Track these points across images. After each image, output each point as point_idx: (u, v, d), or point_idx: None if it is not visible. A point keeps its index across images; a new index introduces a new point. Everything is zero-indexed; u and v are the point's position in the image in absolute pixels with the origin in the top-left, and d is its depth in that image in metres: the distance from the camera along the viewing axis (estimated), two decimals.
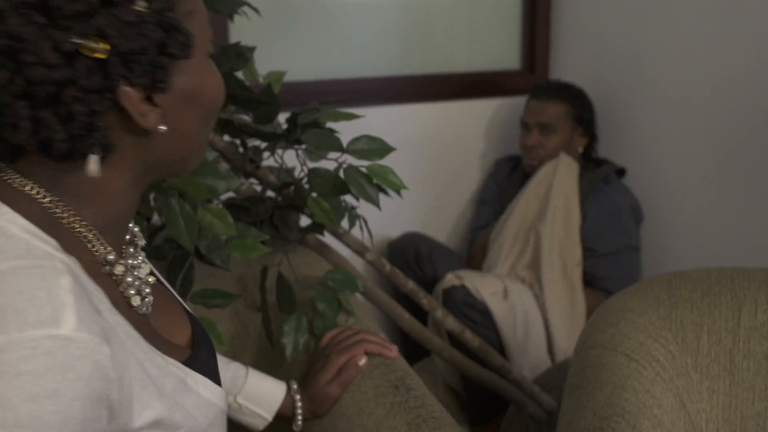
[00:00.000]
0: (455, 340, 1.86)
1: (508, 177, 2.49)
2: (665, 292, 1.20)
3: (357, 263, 2.16)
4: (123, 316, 0.71)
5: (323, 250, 1.53)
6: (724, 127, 2.02)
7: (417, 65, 2.51)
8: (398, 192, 1.32)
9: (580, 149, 2.36)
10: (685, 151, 2.16)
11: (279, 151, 1.44)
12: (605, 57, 2.43)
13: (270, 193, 1.54)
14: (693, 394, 1.12)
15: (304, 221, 1.58)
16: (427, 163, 2.51)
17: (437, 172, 2.55)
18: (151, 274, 0.87)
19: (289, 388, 1.19)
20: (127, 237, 0.82)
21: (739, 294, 1.18)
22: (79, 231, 0.71)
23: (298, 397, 1.18)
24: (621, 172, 2.36)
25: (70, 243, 0.70)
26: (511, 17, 2.62)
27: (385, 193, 1.26)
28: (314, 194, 1.30)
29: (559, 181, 2.24)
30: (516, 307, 2.12)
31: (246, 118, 1.43)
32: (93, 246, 0.73)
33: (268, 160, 1.51)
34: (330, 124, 1.48)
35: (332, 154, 1.72)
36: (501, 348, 2.12)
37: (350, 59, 2.41)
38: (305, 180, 1.36)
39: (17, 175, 0.70)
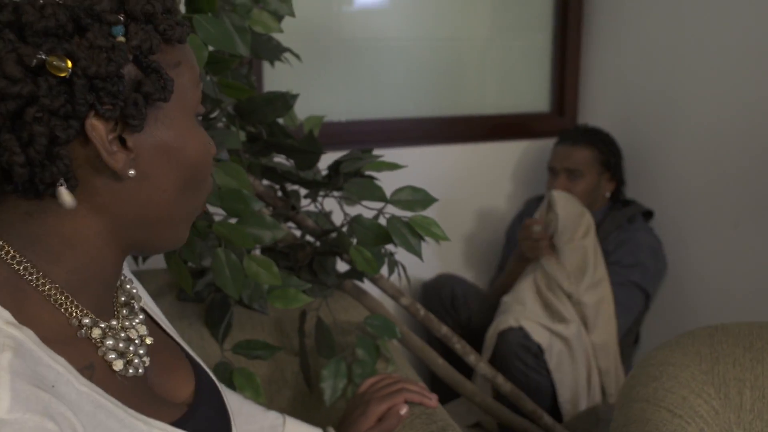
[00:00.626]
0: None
1: None
2: (707, 346, 1.20)
3: (388, 304, 2.17)
4: (97, 383, 0.68)
5: (359, 294, 1.54)
6: (754, 172, 2.02)
7: (448, 107, 2.53)
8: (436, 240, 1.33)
9: (608, 194, 2.37)
10: (714, 196, 2.16)
11: (319, 197, 1.45)
12: (634, 100, 2.44)
13: (308, 237, 1.56)
14: None
15: (340, 265, 1.59)
16: (457, 203, 2.52)
17: (467, 212, 2.56)
18: (164, 331, 0.86)
19: None
20: (123, 298, 0.79)
21: None
22: (49, 293, 0.69)
23: None
24: (649, 214, 2.37)
25: (37, 306, 0.67)
26: (541, 60, 2.65)
27: (424, 240, 1.28)
28: (355, 242, 1.31)
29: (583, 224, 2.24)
30: (570, 349, 2.12)
31: (285, 163, 1.46)
32: (66, 309, 0.70)
33: (308, 206, 1.52)
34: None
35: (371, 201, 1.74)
36: (553, 391, 2.11)
37: (382, 101, 2.44)
38: (345, 227, 1.38)
39: None
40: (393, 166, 1.32)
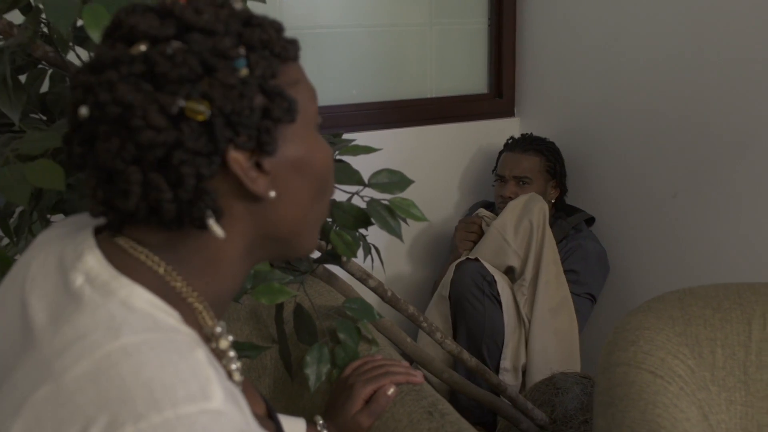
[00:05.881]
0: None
1: None
2: (678, 309, 1.27)
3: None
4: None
5: (331, 279, 1.55)
6: (689, 152, 2.11)
7: (389, 92, 2.55)
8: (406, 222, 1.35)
9: (553, 200, 2.47)
10: (651, 175, 2.24)
11: None
12: (569, 79, 2.51)
13: None
14: (713, 406, 1.19)
15: None
16: None
17: (412, 194, 2.58)
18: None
19: (315, 423, 1.19)
20: None
21: (747, 308, 1.25)
22: (191, 302, 0.70)
23: (325, 431, 1.19)
24: (591, 220, 2.47)
25: (184, 315, 0.69)
26: (479, 44, 2.69)
27: (406, 223, 1.30)
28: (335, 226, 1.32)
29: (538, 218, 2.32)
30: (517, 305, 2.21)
31: None
32: (203, 318, 0.72)
33: None
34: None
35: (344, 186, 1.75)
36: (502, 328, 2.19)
37: (325, 87, 2.44)
38: None
39: (131, 242, 0.70)
40: (368, 150, 1.34)
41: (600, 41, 2.36)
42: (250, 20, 0.69)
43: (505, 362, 2.17)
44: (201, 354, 0.62)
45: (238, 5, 0.71)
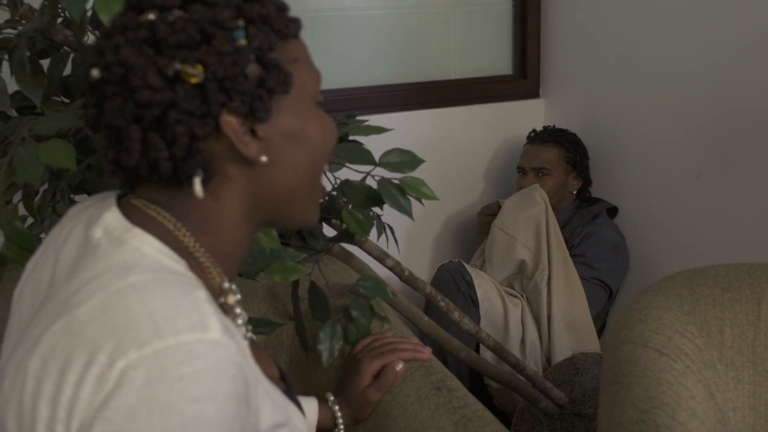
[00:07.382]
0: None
1: None
2: (687, 288, 1.27)
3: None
4: None
5: (347, 257, 1.57)
6: (716, 133, 2.09)
7: (413, 73, 2.56)
8: (420, 201, 1.37)
9: (574, 191, 2.47)
10: (677, 154, 2.23)
11: None
12: (594, 60, 2.50)
13: None
14: (720, 384, 1.19)
15: (326, 230, 1.62)
16: (425, 168, 2.56)
17: (437, 176, 2.60)
18: None
19: (326, 400, 1.23)
20: None
21: (757, 288, 1.25)
22: (198, 257, 0.76)
23: (337, 407, 1.22)
24: (614, 211, 2.47)
25: (192, 267, 0.74)
26: (503, 25, 2.69)
27: (420, 202, 1.32)
28: (349, 206, 1.34)
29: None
30: (506, 309, 2.21)
31: None
32: (210, 273, 0.77)
33: None
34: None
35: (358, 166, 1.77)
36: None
37: (349, 69, 2.46)
38: (335, 191, 1.41)
39: (144, 201, 0.76)
40: (379, 130, 1.35)
41: (625, 22, 2.35)
42: None
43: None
44: (201, 294, 0.68)
45: None
